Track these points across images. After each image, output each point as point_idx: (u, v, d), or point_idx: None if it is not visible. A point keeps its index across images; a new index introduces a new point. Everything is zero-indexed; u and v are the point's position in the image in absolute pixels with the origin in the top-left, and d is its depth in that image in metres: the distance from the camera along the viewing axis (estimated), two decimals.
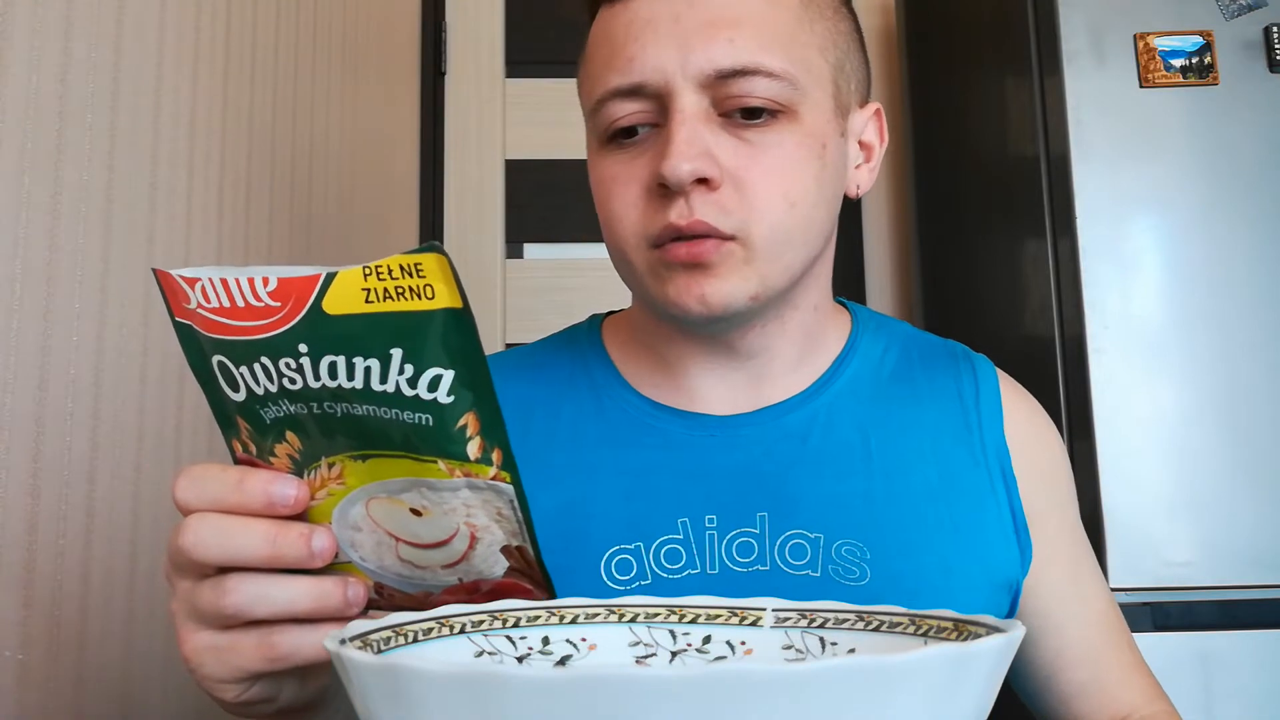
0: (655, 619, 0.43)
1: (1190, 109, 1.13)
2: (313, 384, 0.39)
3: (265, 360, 0.39)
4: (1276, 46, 1.11)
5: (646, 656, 0.42)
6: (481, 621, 0.41)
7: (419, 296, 0.36)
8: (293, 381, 0.39)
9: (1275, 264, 1.10)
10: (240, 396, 0.40)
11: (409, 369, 0.37)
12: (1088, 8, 1.16)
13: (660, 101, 0.56)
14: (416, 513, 0.40)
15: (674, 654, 0.42)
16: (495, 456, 0.39)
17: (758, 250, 0.56)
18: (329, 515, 0.42)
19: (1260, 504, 1.06)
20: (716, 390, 0.65)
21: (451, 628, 0.40)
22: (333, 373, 0.38)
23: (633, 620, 0.43)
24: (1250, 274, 1.10)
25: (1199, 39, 1.13)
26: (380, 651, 0.36)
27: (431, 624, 0.40)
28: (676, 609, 0.43)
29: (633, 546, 0.60)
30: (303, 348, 0.38)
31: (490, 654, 0.40)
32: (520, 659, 0.41)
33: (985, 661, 0.28)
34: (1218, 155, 1.12)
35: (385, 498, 0.41)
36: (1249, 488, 1.06)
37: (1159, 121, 1.13)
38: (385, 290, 0.36)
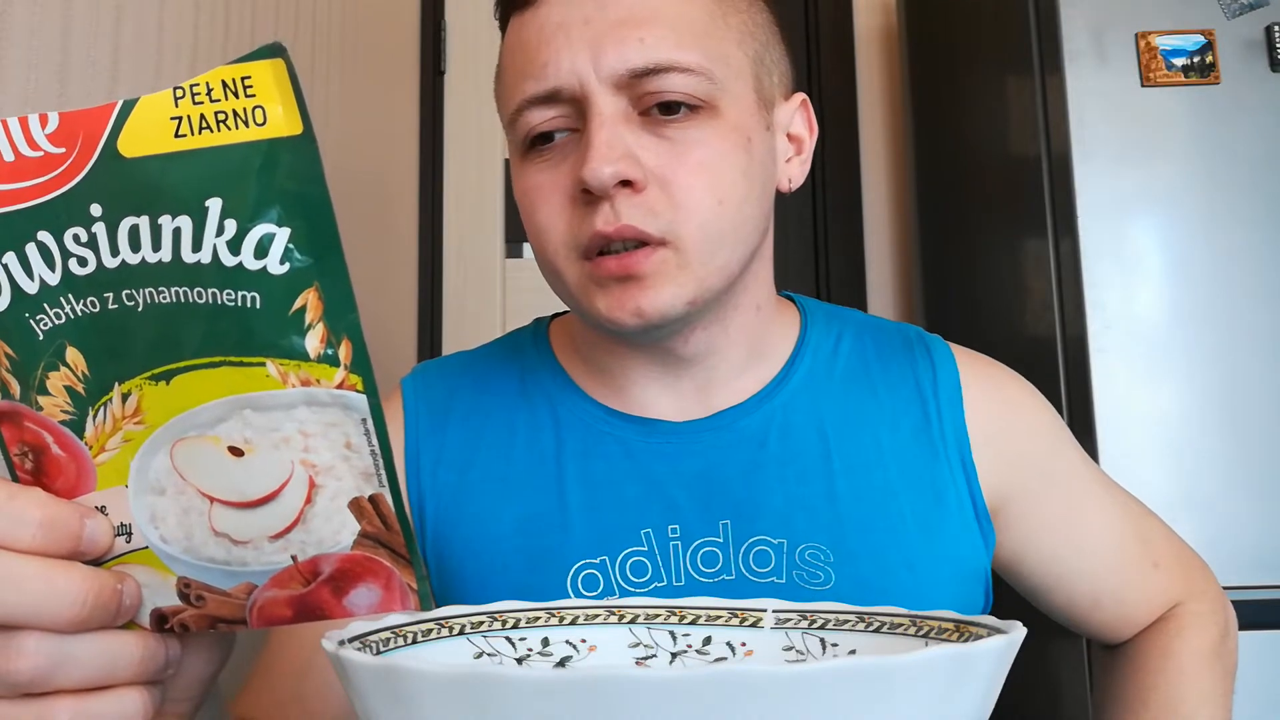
0: (655, 620, 0.43)
1: (1192, 108, 1.13)
2: (109, 262, 0.29)
3: (45, 237, 0.29)
4: (1278, 46, 1.11)
5: (647, 658, 0.42)
6: (481, 623, 0.41)
7: (245, 123, 0.28)
8: (83, 263, 0.29)
9: (1277, 263, 1.10)
10: (3, 303, 0.30)
11: (229, 227, 0.28)
12: (1089, 7, 1.16)
13: (577, 106, 0.55)
14: (237, 452, 0.30)
15: (674, 655, 0.42)
16: (343, 352, 0.29)
17: (690, 253, 0.55)
18: (124, 475, 0.31)
19: (1262, 504, 1.05)
20: (663, 399, 0.64)
21: (451, 629, 0.40)
22: (134, 242, 0.29)
23: (633, 621, 0.43)
24: (1252, 273, 1.10)
25: (1200, 38, 1.13)
26: (379, 652, 0.36)
27: (431, 625, 0.40)
28: (677, 610, 0.43)
29: (598, 561, 0.60)
30: (96, 209, 0.29)
31: (490, 655, 0.40)
32: (520, 660, 0.41)
33: (986, 662, 0.28)
34: (1219, 154, 1.12)
35: (195, 436, 0.30)
36: (1251, 488, 1.06)
37: (1161, 121, 1.13)
38: (202, 118, 0.28)
